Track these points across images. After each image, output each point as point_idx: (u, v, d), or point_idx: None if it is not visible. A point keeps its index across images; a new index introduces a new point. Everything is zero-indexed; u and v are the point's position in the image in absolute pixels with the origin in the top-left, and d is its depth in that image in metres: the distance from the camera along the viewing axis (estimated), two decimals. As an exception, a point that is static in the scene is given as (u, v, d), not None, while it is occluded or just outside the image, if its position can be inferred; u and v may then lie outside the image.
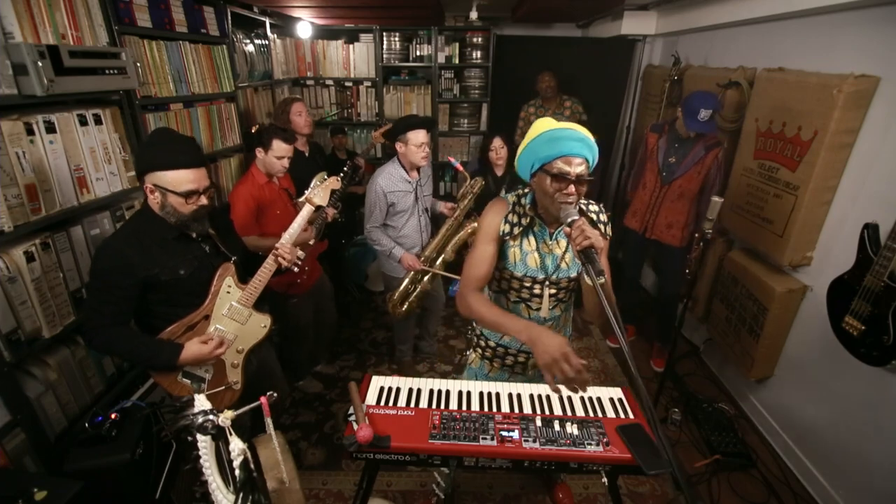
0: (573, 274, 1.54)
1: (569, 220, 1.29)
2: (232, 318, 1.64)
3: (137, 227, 1.52)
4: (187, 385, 1.61)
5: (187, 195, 1.46)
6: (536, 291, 1.55)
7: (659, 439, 1.01)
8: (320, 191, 1.84)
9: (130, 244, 1.46)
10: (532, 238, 1.52)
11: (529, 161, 1.42)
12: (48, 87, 1.47)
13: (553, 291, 1.55)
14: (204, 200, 1.51)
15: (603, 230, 1.53)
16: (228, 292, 1.63)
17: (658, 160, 2.84)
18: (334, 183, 1.90)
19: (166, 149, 1.46)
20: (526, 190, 1.54)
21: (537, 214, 1.51)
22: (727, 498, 2.23)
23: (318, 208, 1.87)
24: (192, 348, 1.53)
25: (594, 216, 1.54)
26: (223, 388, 1.65)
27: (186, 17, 2.36)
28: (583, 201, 1.55)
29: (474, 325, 1.77)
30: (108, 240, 1.52)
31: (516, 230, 1.50)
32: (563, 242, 1.52)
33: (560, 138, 1.35)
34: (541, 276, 1.53)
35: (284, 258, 1.70)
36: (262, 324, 1.70)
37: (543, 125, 1.40)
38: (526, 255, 1.51)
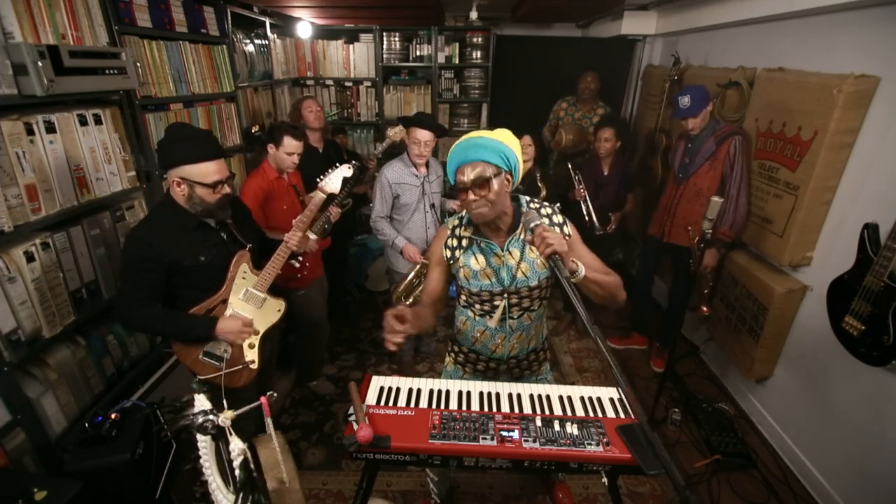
0: (533, 283, 1.51)
1: (530, 225, 1.29)
2: (248, 302, 1.74)
3: (160, 217, 1.61)
4: (209, 364, 1.69)
5: (214, 185, 1.56)
6: (496, 303, 1.54)
7: (645, 437, 1.01)
8: (332, 178, 1.91)
9: (154, 233, 1.56)
10: (479, 255, 1.52)
11: (451, 183, 1.47)
12: (48, 87, 1.47)
13: (515, 301, 1.54)
14: (227, 189, 1.62)
15: (566, 230, 1.52)
16: (244, 278, 1.72)
17: (675, 163, 2.80)
18: (346, 170, 1.96)
19: (191, 144, 1.54)
20: (464, 212, 1.56)
21: (475, 232, 1.53)
22: (727, 498, 2.23)
23: (330, 197, 1.92)
24: (227, 322, 1.65)
25: (546, 219, 1.51)
26: (241, 366, 1.74)
27: (186, 17, 2.36)
28: (534, 204, 1.53)
29: (452, 330, 1.79)
30: (134, 230, 1.60)
31: (457, 252, 1.55)
32: (517, 252, 1.50)
33: (456, 151, 1.40)
34: (497, 289, 1.52)
35: (294, 243, 1.81)
36: (276, 308, 1.80)
37: (453, 147, 1.43)
38: (476, 273, 1.52)
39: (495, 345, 1.63)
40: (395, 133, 3.17)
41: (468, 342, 1.68)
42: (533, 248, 1.31)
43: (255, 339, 1.76)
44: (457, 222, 1.58)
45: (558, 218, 1.54)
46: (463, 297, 1.64)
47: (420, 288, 2.74)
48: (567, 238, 1.50)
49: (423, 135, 2.49)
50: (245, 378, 1.76)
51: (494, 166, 1.37)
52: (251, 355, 1.76)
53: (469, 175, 1.36)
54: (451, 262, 1.57)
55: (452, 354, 1.78)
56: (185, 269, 1.60)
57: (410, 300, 2.76)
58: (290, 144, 2.30)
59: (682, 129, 2.74)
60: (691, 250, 2.62)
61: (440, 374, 2.13)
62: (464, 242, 1.54)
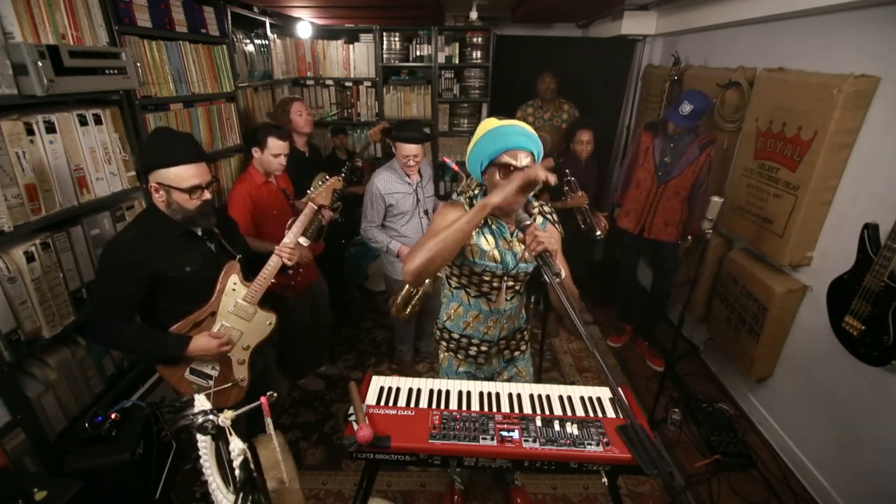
0: (530, 270, 1.60)
1: (521, 224, 1.32)
2: (238, 315, 1.66)
3: (145, 224, 1.54)
4: (196, 382, 1.63)
5: (190, 190, 1.49)
6: (495, 285, 1.61)
7: (635, 435, 1.01)
8: (323, 190, 1.88)
9: (139, 240, 1.49)
10: (490, 236, 1.56)
11: (479, 160, 1.47)
12: (48, 87, 1.46)
13: (511, 284, 1.61)
14: (207, 195, 1.54)
15: (560, 229, 1.61)
16: (234, 290, 1.65)
17: (654, 159, 2.84)
18: (336, 183, 1.94)
19: (166, 146, 1.48)
20: (476, 191, 1.58)
21: (491, 213, 1.51)
22: (727, 498, 2.23)
23: (320, 208, 1.90)
24: (200, 341, 1.56)
25: (549, 215, 1.61)
26: (230, 384, 1.67)
27: (186, 17, 2.36)
28: (537, 203, 1.62)
29: (437, 321, 1.81)
30: (118, 236, 1.55)
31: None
32: None
33: (505, 134, 1.41)
34: (499, 272, 1.57)
35: (286, 256, 1.73)
36: (267, 321, 1.73)
37: (489, 124, 1.45)
38: (484, 253, 1.55)
39: (487, 327, 1.68)
40: (372, 133, 3.17)
41: (458, 328, 1.72)
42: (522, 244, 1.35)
43: (245, 355, 1.69)
44: (468, 201, 1.57)
45: (555, 216, 1.63)
46: (455, 280, 1.66)
47: (418, 297, 2.74)
48: (561, 235, 1.61)
49: (410, 149, 2.46)
50: (234, 397, 1.69)
51: (534, 159, 1.45)
52: (241, 373, 1.68)
53: (522, 162, 1.40)
54: None
55: (444, 343, 1.79)
56: (171, 281, 1.53)
57: (408, 310, 2.75)
58: (276, 145, 2.25)
59: (659, 121, 2.89)
60: (674, 244, 2.87)
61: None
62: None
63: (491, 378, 1.83)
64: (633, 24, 3.81)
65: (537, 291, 1.99)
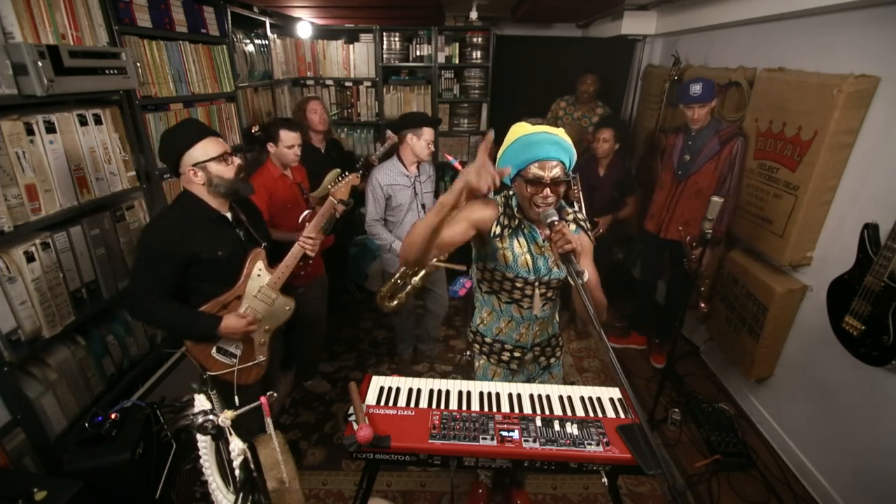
0: (564, 275, 1.56)
1: (548, 221, 1.32)
2: (261, 299, 1.77)
3: (181, 209, 1.63)
4: (221, 360, 1.73)
5: (223, 157, 1.59)
6: (528, 292, 1.58)
7: (649, 444, 1.01)
8: (342, 186, 1.99)
9: (176, 224, 1.58)
10: (523, 240, 1.54)
11: (510, 174, 1.46)
12: (48, 87, 1.46)
13: (543, 291, 1.59)
14: (237, 160, 1.64)
15: (590, 236, 1.59)
16: (259, 275, 1.76)
17: (674, 159, 2.81)
18: (355, 179, 2.04)
19: (181, 132, 1.59)
20: (512, 192, 1.57)
21: (525, 217, 1.54)
22: (727, 498, 2.23)
23: (340, 202, 2.01)
24: (230, 321, 1.66)
25: (583, 223, 1.59)
26: (252, 363, 1.80)
27: (186, 17, 2.36)
28: (571, 210, 1.60)
29: (471, 324, 1.79)
30: (156, 220, 1.64)
31: (506, 232, 1.54)
32: None
33: (534, 143, 1.39)
34: (531, 278, 1.55)
35: (308, 246, 1.86)
36: (286, 306, 1.84)
37: (518, 130, 1.44)
38: (517, 258, 1.54)
39: (520, 334, 1.67)
40: (394, 136, 3.19)
41: (491, 333, 1.71)
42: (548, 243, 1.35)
43: (266, 337, 1.80)
44: (504, 200, 1.57)
45: (588, 224, 1.61)
46: (486, 285, 1.65)
47: (405, 290, 2.75)
48: (592, 241, 1.58)
49: (430, 132, 2.58)
50: (255, 375, 1.80)
51: (565, 167, 1.43)
52: (261, 353, 1.80)
53: (550, 172, 1.39)
54: (496, 239, 1.53)
55: (477, 346, 1.76)
56: (204, 263, 1.62)
57: (395, 302, 2.76)
58: (288, 137, 2.32)
59: (682, 123, 2.78)
60: (684, 247, 2.68)
61: (440, 374, 2.10)
62: (513, 223, 1.54)
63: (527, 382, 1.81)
64: (633, 24, 3.81)
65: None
